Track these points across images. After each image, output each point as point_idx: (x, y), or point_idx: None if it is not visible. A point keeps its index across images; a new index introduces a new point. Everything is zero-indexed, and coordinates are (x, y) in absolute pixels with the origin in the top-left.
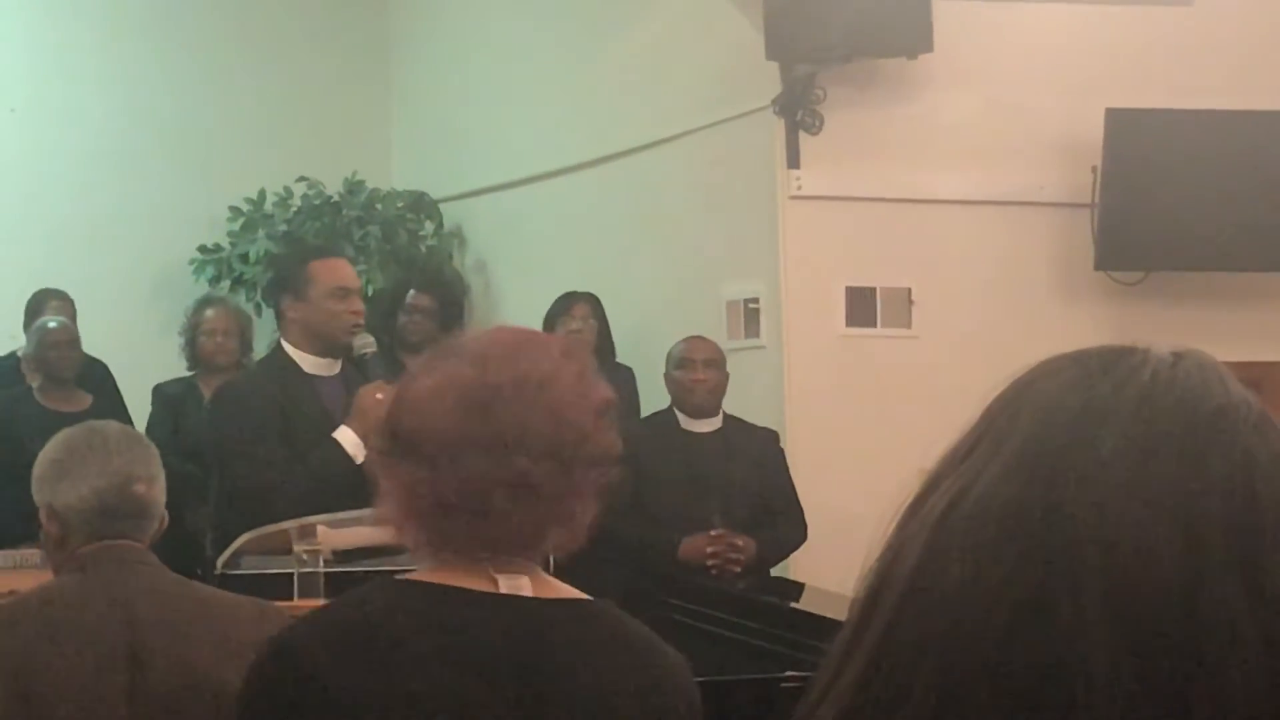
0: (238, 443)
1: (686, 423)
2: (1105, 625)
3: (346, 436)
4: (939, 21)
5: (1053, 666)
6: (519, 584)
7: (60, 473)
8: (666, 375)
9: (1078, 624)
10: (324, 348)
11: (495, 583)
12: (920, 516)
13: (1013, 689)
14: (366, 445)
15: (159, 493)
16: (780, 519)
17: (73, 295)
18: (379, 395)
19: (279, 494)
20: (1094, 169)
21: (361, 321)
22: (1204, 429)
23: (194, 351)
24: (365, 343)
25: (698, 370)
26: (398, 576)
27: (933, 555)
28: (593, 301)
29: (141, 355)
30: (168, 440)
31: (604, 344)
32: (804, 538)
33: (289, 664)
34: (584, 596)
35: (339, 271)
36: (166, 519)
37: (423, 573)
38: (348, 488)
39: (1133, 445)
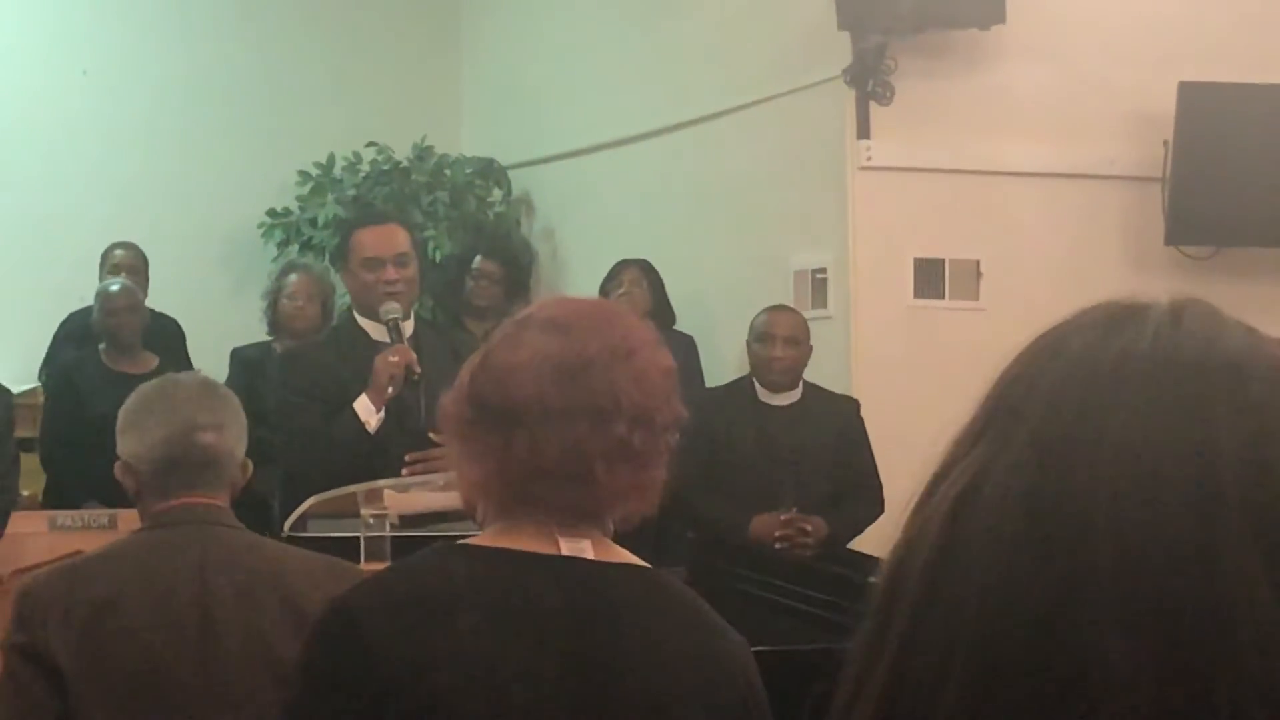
0: (280, 410)
1: (764, 395)
2: (1123, 612)
3: (362, 405)
4: None
5: (1082, 660)
6: (580, 547)
7: (129, 424)
8: (747, 344)
9: (1099, 614)
10: (373, 315)
11: (558, 545)
12: (931, 508)
13: (1045, 686)
14: (380, 410)
15: (231, 441)
16: (857, 493)
17: (147, 256)
18: (392, 358)
19: (305, 463)
20: (1165, 143)
21: (394, 290)
22: (1211, 395)
23: (275, 316)
24: (389, 310)
25: (777, 346)
26: (459, 541)
27: (950, 554)
28: (643, 265)
29: (211, 316)
30: (243, 405)
31: (660, 309)
32: (880, 512)
33: (347, 627)
34: (644, 564)
35: (374, 240)
36: (250, 468)
37: (485, 536)
38: (363, 456)
39: (1142, 424)
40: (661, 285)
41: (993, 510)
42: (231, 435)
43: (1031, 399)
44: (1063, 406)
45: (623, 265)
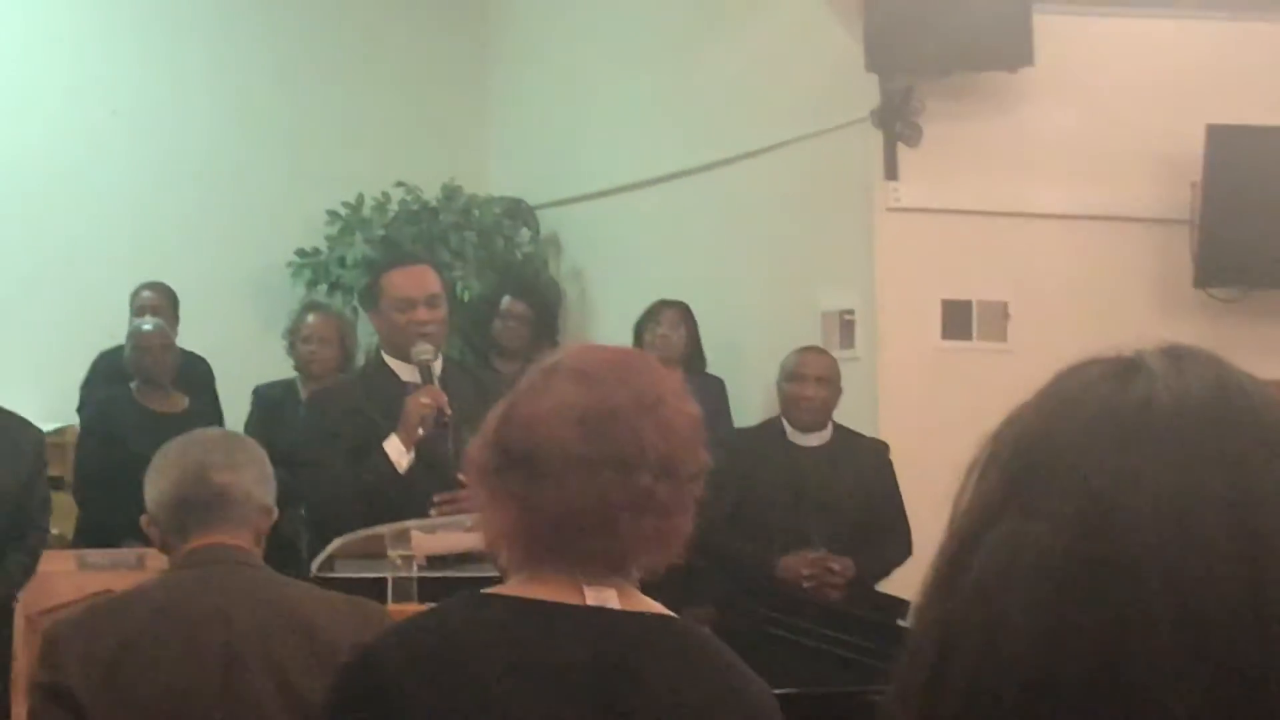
0: (308, 450)
1: (794, 435)
2: (1182, 663)
3: (392, 445)
4: (1039, 35)
5: (1141, 713)
6: (606, 596)
7: (150, 475)
8: (778, 385)
9: (1158, 666)
10: (404, 356)
11: (583, 595)
12: (971, 582)
13: None
14: (410, 450)
15: (248, 482)
16: (885, 535)
17: (176, 295)
18: (423, 400)
19: (333, 504)
20: (1193, 185)
21: (426, 330)
22: (1237, 441)
23: (296, 355)
24: (421, 351)
25: (808, 386)
26: (484, 590)
27: (996, 625)
28: (682, 309)
29: (240, 356)
30: (261, 442)
31: (694, 353)
32: (908, 554)
33: (372, 675)
34: (670, 613)
35: (406, 281)
36: (275, 513)
37: (510, 585)
38: (392, 497)
39: (1174, 475)
40: (697, 329)
41: (1035, 575)
42: (248, 477)
43: (1057, 459)
44: (1091, 464)
45: (662, 306)
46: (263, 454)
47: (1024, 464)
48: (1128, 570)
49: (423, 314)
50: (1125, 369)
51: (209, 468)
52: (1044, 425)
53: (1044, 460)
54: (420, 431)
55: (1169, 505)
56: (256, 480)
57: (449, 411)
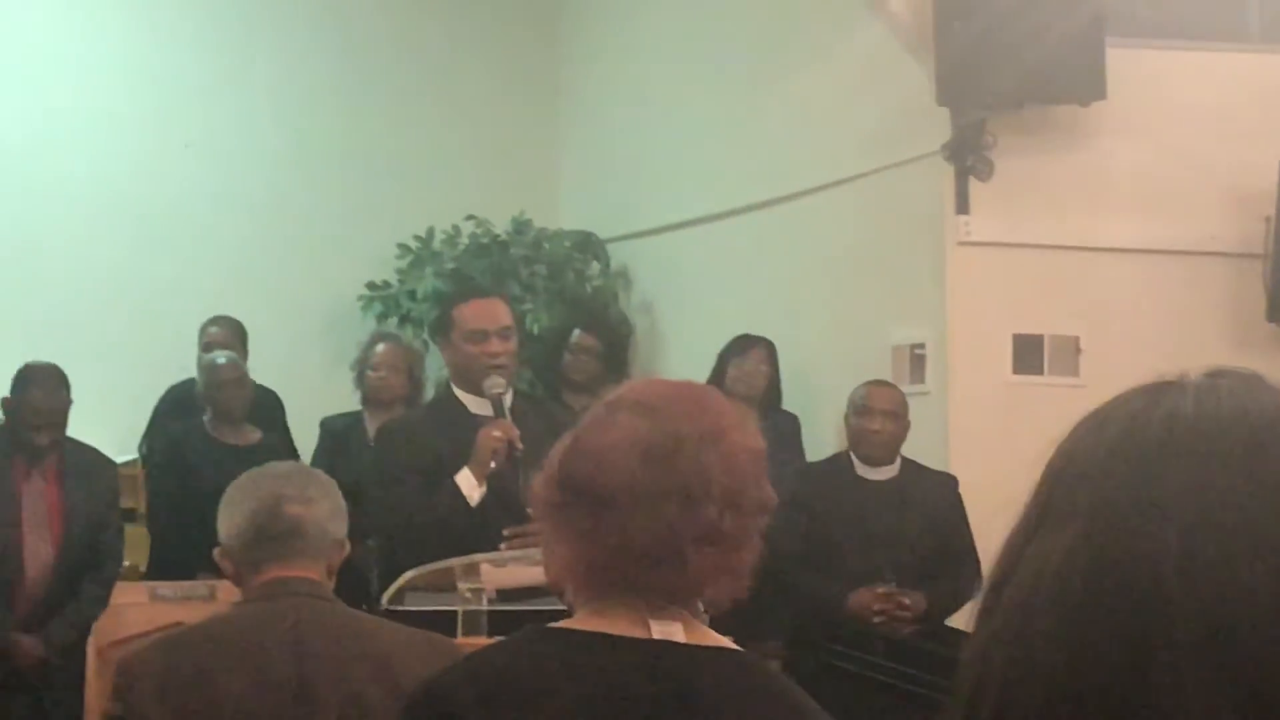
0: (378, 483)
1: (862, 469)
2: (1205, 670)
3: (464, 479)
4: (1112, 69)
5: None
6: (671, 630)
7: (223, 508)
8: (846, 418)
9: (1180, 674)
10: (474, 388)
11: (648, 628)
12: (1006, 599)
13: None
14: (481, 483)
15: (321, 515)
16: (955, 569)
17: (245, 329)
18: (495, 433)
19: (404, 537)
20: (1267, 219)
21: (498, 363)
22: (1258, 450)
23: (363, 385)
24: (493, 383)
25: (875, 420)
26: (550, 624)
27: (1022, 636)
28: (768, 347)
29: (311, 388)
30: (328, 474)
31: (772, 390)
32: (979, 588)
33: (438, 709)
34: (735, 646)
35: (478, 313)
36: (347, 547)
37: (575, 619)
38: (466, 529)
39: (1194, 485)
40: (778, 368)
41: (1059, 589)
42: (322, 510)
43: (1084, 475)
44: (1115, 476)
45: (751, 342)
46: (335, 488)
47: (1054, 481)
48: (1148, 584)
49: (495, 346)
50: (1161, 387)
51: (283, 501)
52: (1073, 443)
53: (1071, 476)
54: (492, 465)
55: (1188, 520)
56: (330, 514)
57: (520, 445)
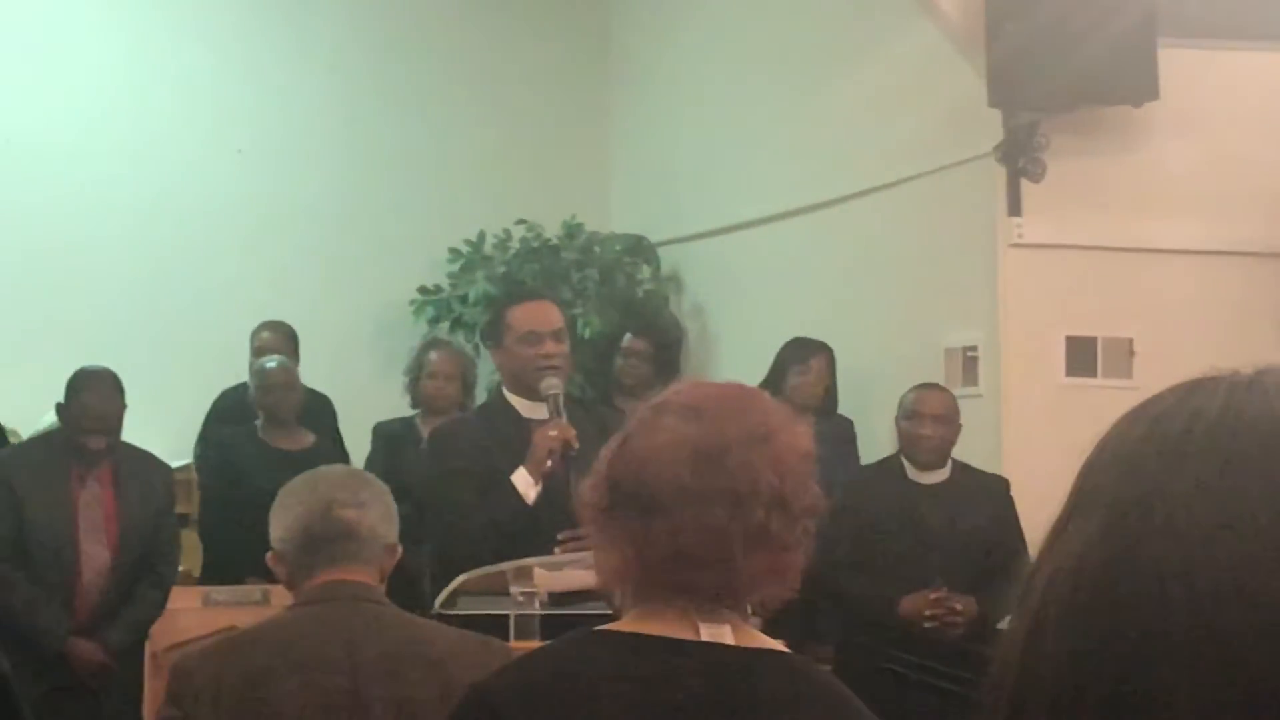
0: (434, 487)
1: (913, 473)
2: (1196, 679)
3: (520, 478)
4: (1165, 69)
5: None
6: (720, 632)
7: (275, 512)
8: (896, 422)
9: (1171, 676)
10: (527, 391)
11: (697, 630)
12: (1028, 595)
13: None
14: (537, 482)
15: (373, 519)
16: (1007, 573)
17: (297, 333)
18: (552, 433)
19: (459, 538)
20: None
21: (553, 364)
22: (1276, 452)
23: (417, 392)
24: (550, 385)
25: (925, 425)
26: (598, 626)
27: (1037, 629)
28: (829, 354)
29: (362, 393)
30: (382, 478)
31: (830, 396)
32: None
33: (486, 712)
34: (784, 649)
35: (531, 316)
36: (399, 551)
37: (624, 622)
38: (521, 530)
39: (1207, 483)
40: (835, 373)
41: (1069, 585)
42: (374, 514)
43: (1111, 466)
44: (1136, 469)
45: (810, 349)
46: (387, 492)
47: (1087, 472)
48: (1151, 582)
49: (549, 347)
50: (1198, 383)
51: (335, 504)
52: (1109, 435)
53: (1100, 466)
54: (549, 465)
55: (1197, 519)
56: (382, 517)
57: (576, 446)
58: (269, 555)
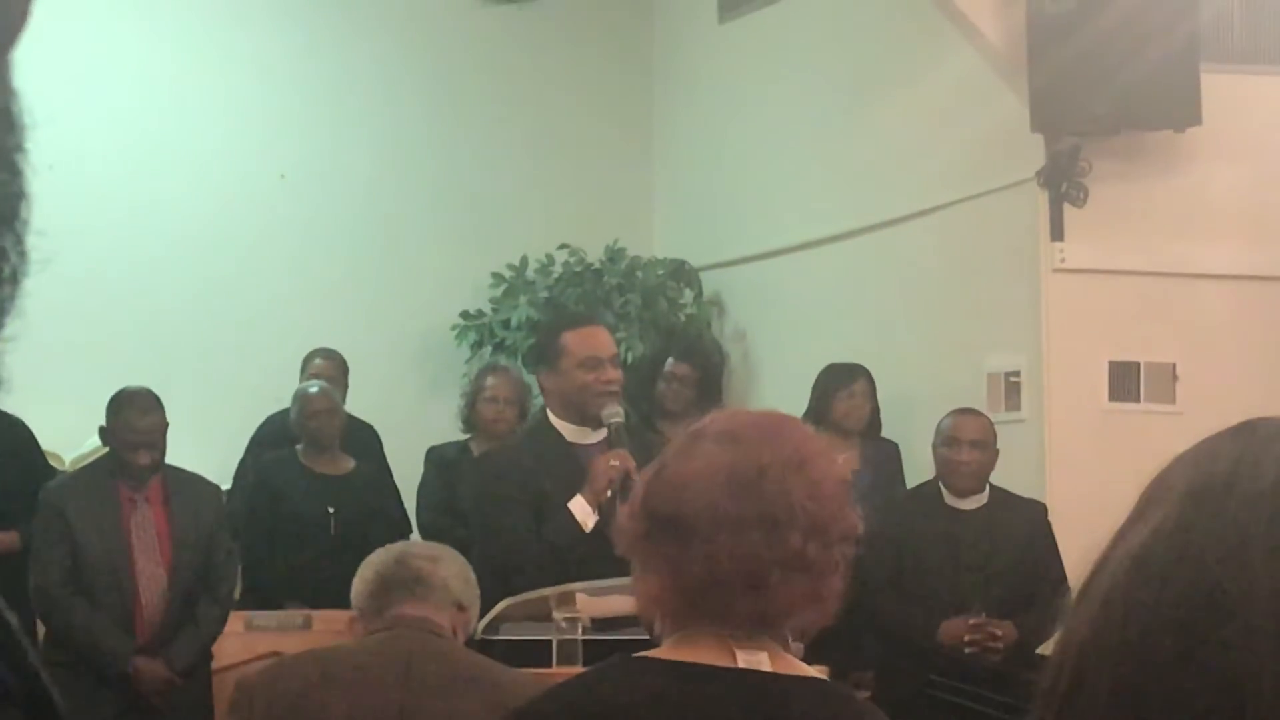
0: (484, 512)
1: (951, 499)
2: (1271, 638)
3: (578, 505)
4: (1207, 94)
5: (1223, 688)
6: (757, 659)
7: (357, 574)
8: (934, 448)
9: (1244, 643)
10: (579, 417)
11: (734, 657)
12: (1094, 581)
13: (1188, 712)
14: (595, 511)
15: (447, 574)
16: (1046, 598)
17: (346, 361)
18: (613, 462)
19: (514, 564)
20: None
21: (613, 389)
22: None
23: (471, 416)
24: (613, 412)
25: (963, 451)
26: (637, 654)
27: (1105, 607)
28: (869, 377)
29: (405, 418)
30: (438, 503)
31: (874, 420)
32: None
33: None
34: (821, 676)
35: (590, 341)
36: (473, 622)
37: (662, 649)
38: (579, 557)
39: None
40: (877, 397)
41: (1137, 568)
42: (449, 570)
43: (1186, 462)
44: (1204, 475)
45: (853, 374)
46: (466, 563)
47: (1160, 478)
48: (1216, 572)
49: (610, 372)
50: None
51: (409, 555)
52: (1184, 453)
53: (1166, 475)
54: (608, 494)
55: (1266, 510)
56: (456, 575)
57: (635, 477)
58: (348, 617)
